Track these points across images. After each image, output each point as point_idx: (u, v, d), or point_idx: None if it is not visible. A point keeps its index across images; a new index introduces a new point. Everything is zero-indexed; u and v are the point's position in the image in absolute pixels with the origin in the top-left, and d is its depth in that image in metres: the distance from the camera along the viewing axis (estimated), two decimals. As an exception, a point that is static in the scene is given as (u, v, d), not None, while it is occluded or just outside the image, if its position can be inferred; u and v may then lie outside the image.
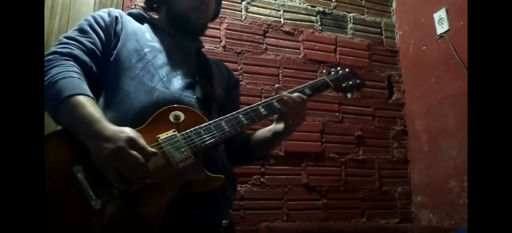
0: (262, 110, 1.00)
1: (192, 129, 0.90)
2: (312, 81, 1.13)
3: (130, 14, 1.11)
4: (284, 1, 2.22)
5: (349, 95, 1.20)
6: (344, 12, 2.35)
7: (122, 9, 1.84)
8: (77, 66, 0.89)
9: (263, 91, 2.02)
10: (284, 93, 1.03)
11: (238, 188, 1.81)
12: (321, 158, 2.04)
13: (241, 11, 2.12)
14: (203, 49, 1.22)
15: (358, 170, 2.10)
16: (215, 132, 0.91)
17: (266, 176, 1.91)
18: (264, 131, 1.14)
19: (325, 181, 2.01)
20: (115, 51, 0.98)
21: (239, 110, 0.99)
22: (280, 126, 1.09)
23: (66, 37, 0.95)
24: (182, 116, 0.91)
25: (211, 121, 0.93)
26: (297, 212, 1.92)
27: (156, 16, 1.20)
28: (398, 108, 2.31)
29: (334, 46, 2.25)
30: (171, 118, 0.90)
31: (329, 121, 2.11)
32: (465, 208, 1.81)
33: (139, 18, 1.11)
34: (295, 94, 1.04)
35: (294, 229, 1.83)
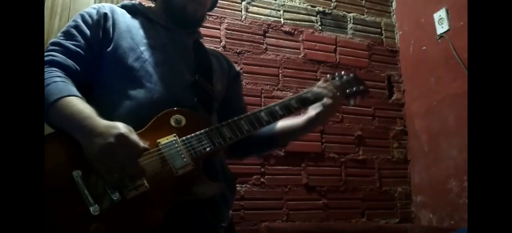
0: (263, 115, 0.98)
1: (193, 134, 0.88)
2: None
3: (123, 7, 1.07)
4: (284, 1, 2.22)
5: (352, 102, 1.17)
6: (344, 12, 2.35)
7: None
8: (60, 71, 0.88)
9: (263, 91, 2.02)
10: (320, 83, 1.11)
11: (238, 188, 1.81)
12: (321, 158, 2.04)
13: (241, 11, 2.12)
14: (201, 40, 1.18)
15: (358, 170, 2.10)
16: (215, 138, 0.89)
17: (266, 176, 1.91)
18: (294, 119, 1.10)
19: (325, 181, 2.01)
20: (108, 50, 0.95)
21: (241, 116, 0.97)
22: (313, 112, 1.07)
23: (51, 43, 0.94)
24: (183, 121, 0.89)
25: (212, 127, 0.91)
26: (297, 212, 1.92)
27: (151, 5, 1.16)
28: (398, 108, 2.31)
29: (334, 46, 2.25)
30: (172, 122, 0.88)
31: (329, 121, 2.10)
32: (465, 208, 1.81)
33: (132, 11, 1.06)
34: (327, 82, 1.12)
35: (294, 229, 1.83)
